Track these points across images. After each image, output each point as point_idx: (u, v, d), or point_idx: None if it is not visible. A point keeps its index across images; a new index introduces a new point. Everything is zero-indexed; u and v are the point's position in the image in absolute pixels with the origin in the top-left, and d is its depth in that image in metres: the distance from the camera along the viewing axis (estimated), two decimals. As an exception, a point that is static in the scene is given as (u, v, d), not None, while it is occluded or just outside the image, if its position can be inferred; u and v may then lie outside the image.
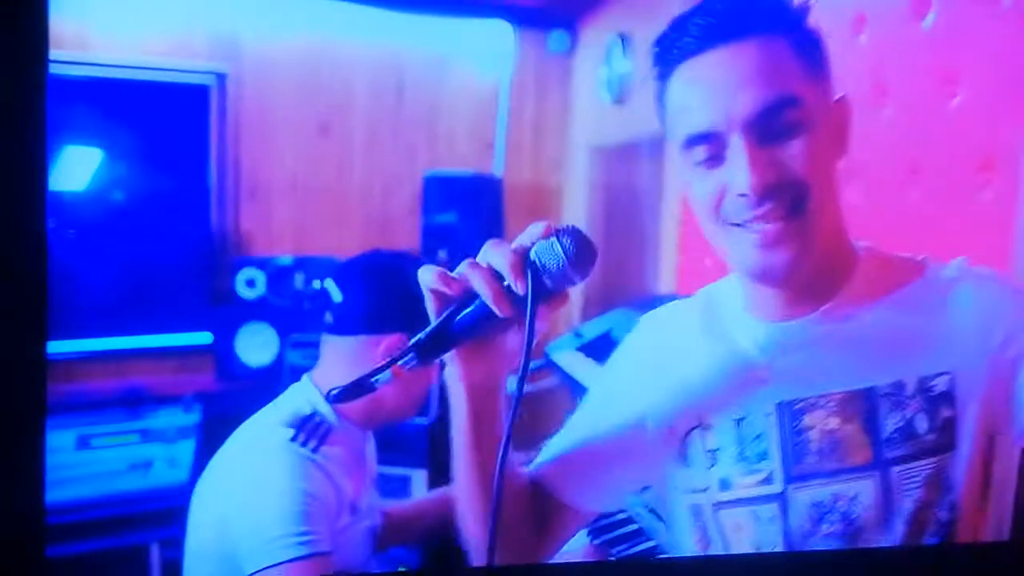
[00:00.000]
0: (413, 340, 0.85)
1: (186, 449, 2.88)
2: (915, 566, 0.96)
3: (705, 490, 1.00)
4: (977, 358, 0.91)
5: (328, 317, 1.53)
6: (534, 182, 4.07)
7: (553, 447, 1.09)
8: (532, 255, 0.82)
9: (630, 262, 3.40)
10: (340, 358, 1.51)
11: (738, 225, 0.90)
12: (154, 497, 2.73)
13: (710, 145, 0.89)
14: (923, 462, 0.92)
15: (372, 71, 3.93)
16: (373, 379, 0.86)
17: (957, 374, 0.91)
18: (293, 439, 1.41)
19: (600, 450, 1.06)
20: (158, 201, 3.51)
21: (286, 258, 3.41)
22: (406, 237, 4.02)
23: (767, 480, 0.96)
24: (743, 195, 0.88)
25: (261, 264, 3.37)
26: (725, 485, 0.98)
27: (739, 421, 0.98)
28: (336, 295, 1.52)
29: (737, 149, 0.87)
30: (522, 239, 0.84)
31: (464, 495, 0.98)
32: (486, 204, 3.53)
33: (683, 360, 1.02)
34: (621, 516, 1.77)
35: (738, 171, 0.87)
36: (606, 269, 3.74)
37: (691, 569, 1.06)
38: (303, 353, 3.08)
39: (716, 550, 1.00)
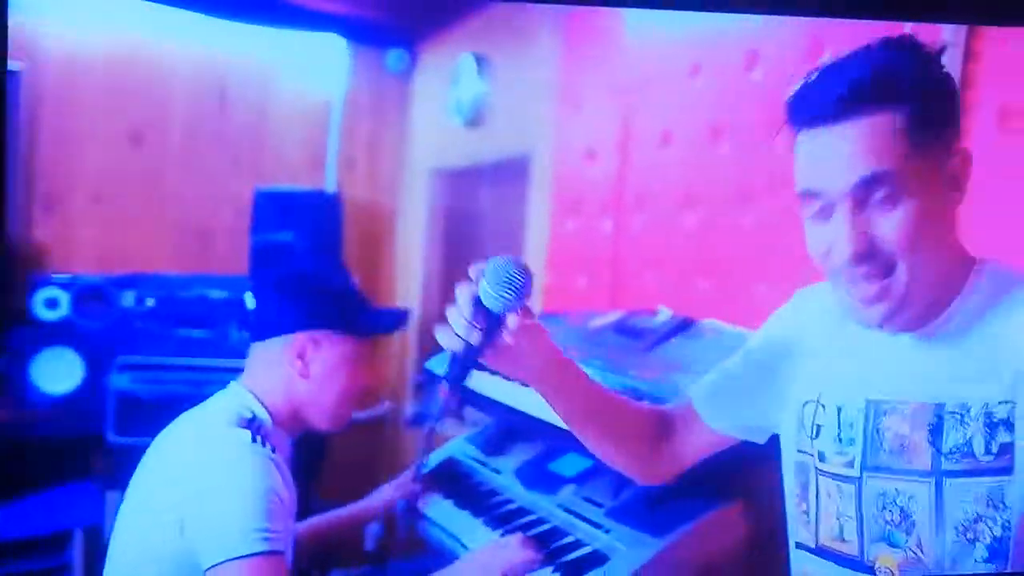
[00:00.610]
0: (446, 377, 1.12)
1: (-24, 485, 2.51)
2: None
3: (811, 455, 1.17)
4: None
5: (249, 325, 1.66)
6: (369, 202, 3.93)
7: (709, 377, 1.31)
8: (481, 296, 1.07)
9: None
10: (262, 362, 1.56)
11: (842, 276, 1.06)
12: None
13: (821, 203, 1.05)
14: (978, 479, 1.03)
15: (192, 78, 3.67)
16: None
17: (1018, 404, 1.02)
18: (253, 440, 1.44)
19: (740, 388, 1.27)
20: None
21: (94, 276, 3.06)
22: (227, 255, 3.76)
23: (849, 464, 1.13)
24: (842, 256, 1.03)
25: (65, 283, 3.00)
26: (822, 457, 1.16)
27: (839, 408, 1.14)
28: (251, 304, 1.68)
29: (841, 216, 1.02)
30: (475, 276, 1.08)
31: (580, 431, 1.26)
32: (325, 223, 3.35)
33: (817, 340, 1.19)
34: (532, 517, 1.78)
35: (839, 238, 1.03)
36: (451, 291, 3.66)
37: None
38: (132, 376, 2.76)
39: (811, 507, 1.18)
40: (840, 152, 1.01)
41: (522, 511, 1.82)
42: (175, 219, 3.69)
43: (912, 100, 1.01)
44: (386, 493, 1.88)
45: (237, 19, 3.65)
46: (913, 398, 1.08)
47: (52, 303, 2.98)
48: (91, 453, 3.00)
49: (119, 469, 2.71)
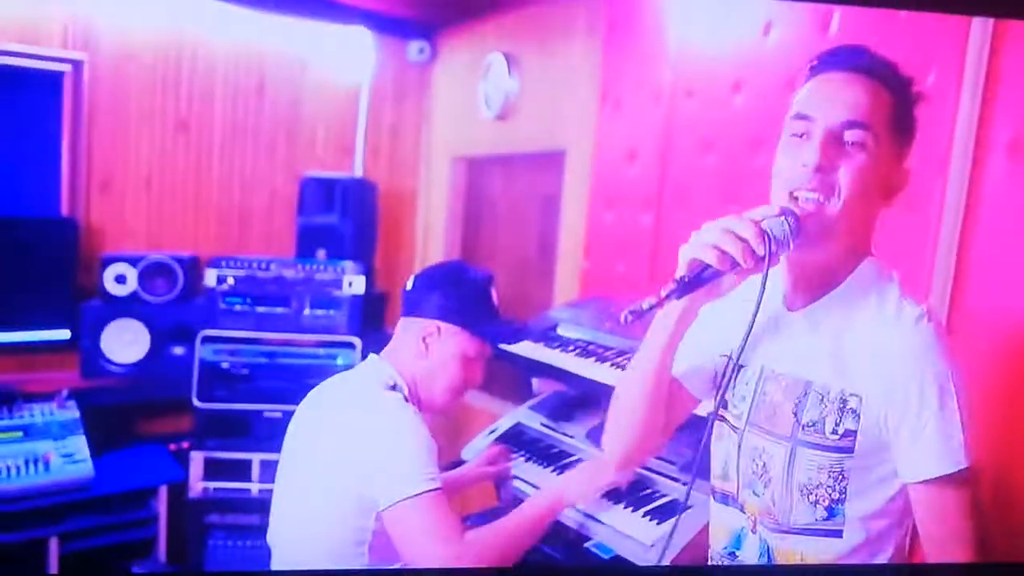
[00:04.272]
0: (678, 280, 1.18)
1: (78, 443, 2.82)
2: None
3: (716, 402, 1.36)
4: (885, 394, 1.18)
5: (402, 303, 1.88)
6: (391, 185, 4.23)
7: (682, 352, 1.36)
8: (765, 227, 1.16)
9: (505, 267, 3.67)
10: (403, 337, 1.84)
11: (794, 198, 1.21)
12: (55, 491, 2.71)
13: (805, 123, 1.21)
14: (824, 453, 1.21)
15: (233, 68, 3.91)
16: (646, 305, 1.16)
17: (865, 398, 1.19)
18: (405, 400, 1.74)
19: (706, 352, 1.39)
20: (7, 192, 3.30)
21: (160, 255, 3.32)
22: (263, 236, 4.03)
23: (738, 416, 1.31)
24: (805, 166, 1.19)
25: (132, 260, 3.26)
26: (723, 404, 1.34)
27: (742, 367, 1.31)
28: (408, 285, 1.87)
29: (817, 134, 1.20)
30: (753, 215, 1.17)
31: (639, 386, 1.35)
32: (364, 206, 3.65)
33: (743, 310, 1.28)
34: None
35: (810, 149, 1.19)
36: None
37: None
38: (214, 348, 3.06)
39: (711, 448, 1.37)
40: (840, 93, 1.20)
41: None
42: (215, 200, 3.95)
43: (897, 93, 1.22)
44: (475, 463, 2.17)
45: (272, 11, 3.90)
46: (790, 372, 1.25)
47: (121, 279, 3.24)
48: (165, 417, 3.31)
49: (202, 431, 3.02)
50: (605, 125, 2.89)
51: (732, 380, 1.32)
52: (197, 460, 3.01)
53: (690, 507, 1.78)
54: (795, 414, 1.23)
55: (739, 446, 1.30)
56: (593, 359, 2.24)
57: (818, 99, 1.22)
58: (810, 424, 1.21)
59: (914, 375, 1.16)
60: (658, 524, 1.81)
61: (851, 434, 1.19)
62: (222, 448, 3.02)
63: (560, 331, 2.48)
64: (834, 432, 1.20)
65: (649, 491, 1.93)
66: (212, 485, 3.02)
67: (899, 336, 1.19)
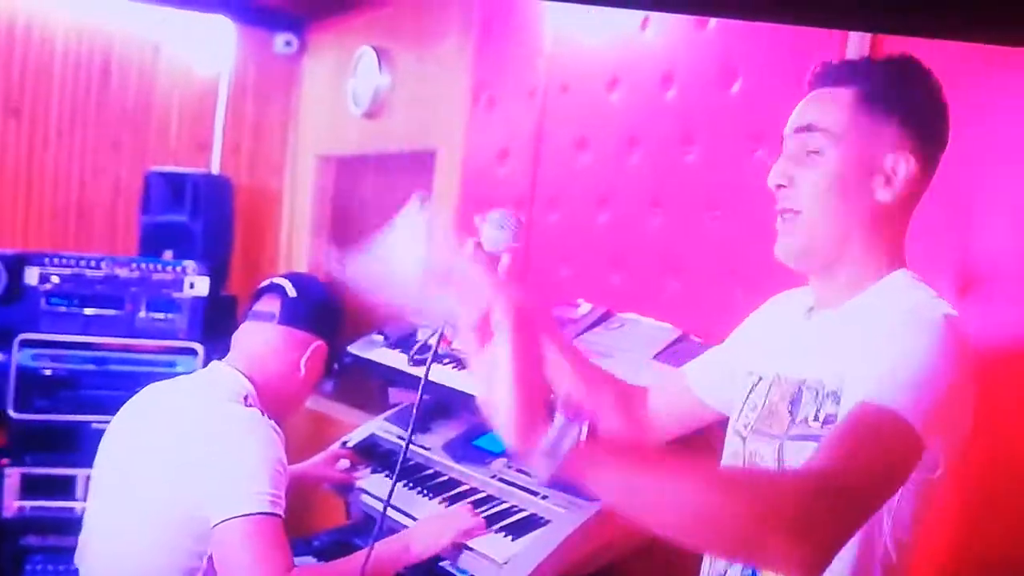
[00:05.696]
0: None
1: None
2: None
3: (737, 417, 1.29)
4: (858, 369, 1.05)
5: (273, 307, 1.75)
6: (252, 184, 3.96)
7: (703, 356, 1.41)
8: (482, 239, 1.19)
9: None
10: (265, 345, 1.73)
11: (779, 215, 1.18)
12: None
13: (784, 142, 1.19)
14: (809, 443, 1.09)
15: (75, 46, 3.60)
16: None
17: (847, 376, 1.07)
18: (262, 413, 1.60)
19: (726, 366, 1.36)
20: None
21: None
22: (105, 234, 3.71)
23: (747, 425, 1.24)
24: (772, 187, 1.17)
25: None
26: (739, 418, 1.27)
27: (760, 379, 1.24)
28: (291, 291, 1.75)
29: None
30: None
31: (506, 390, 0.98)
32: (218, 205, 3.38)
33: (771, 325, 1.30)
34: (466, 487, 1.90)
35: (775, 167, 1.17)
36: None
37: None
38: (34, 353, 2.73)
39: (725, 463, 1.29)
40: (805, 107, 1.16)
41: (454, 482, 1.94)
42: (49, 194, 3.62)
43: (861, 84, 1.13)
44: (317, 459, 2.04)
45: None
46: (791, 374, 1.17)
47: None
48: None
49: (20, 445, 2.71)
50: (476, 123, 2.74)
51: (750, 393, 1.26)
52: (13, 476, 2.70)
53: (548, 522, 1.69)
54: (791, 412, 1.15)
55: (743, 453, 1.23)
56: (451, 365, 2.08)
57: (794, 115, 1.17)
58: (803, 420, 1.13)
59: (901, 341, 1.03)
60: (512, 540, 1.68)
61: (832, 419, 1.06)
62: (43, 463, 2.73)
63: (420, 337, 2.31)
64: (816, 419, 1.10)
65: (506, 505, 1.79)
66: (30, 504, 2.72)
67: (909, 320, 1.05)
